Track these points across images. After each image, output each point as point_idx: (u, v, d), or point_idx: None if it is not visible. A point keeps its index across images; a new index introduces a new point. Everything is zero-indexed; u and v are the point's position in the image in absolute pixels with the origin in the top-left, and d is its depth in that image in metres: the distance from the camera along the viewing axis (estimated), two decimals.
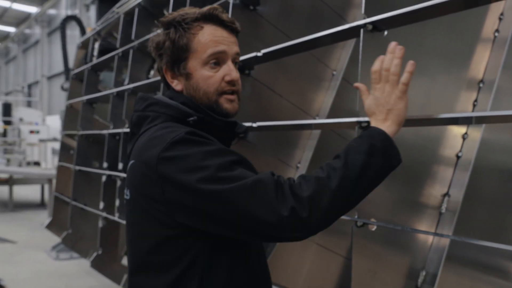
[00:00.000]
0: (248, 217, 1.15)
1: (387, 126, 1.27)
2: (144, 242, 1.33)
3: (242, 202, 1.15)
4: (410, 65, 1.30)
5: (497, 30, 2.32)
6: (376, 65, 1.32)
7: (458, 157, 2.19)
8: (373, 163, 1.20)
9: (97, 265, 4.23)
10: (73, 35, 22.51)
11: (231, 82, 1.34)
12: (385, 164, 1.23)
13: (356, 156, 1.20)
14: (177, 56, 1.36)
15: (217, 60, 1.34)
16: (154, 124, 1.35)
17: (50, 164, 11.62)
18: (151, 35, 3.65)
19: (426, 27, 2.05)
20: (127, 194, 1.37)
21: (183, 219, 1.23)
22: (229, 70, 1.34)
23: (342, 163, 1.19)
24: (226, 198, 1.16)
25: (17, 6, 28.79)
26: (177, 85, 1.39)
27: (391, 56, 1.31)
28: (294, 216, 1.12)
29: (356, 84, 1.38)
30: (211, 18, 1.34)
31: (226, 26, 1.35)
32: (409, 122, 1.70)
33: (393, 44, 1.32)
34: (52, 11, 28.39)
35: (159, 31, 1.41)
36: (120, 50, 4.16)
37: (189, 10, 1.37)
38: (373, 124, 1.29)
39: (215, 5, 1.36)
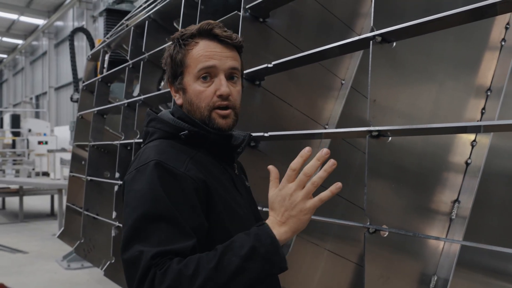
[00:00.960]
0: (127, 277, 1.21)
1: (282, 231, 1.18)
2: None
3: (125, 264, 1.21)
4: (335, 186, 1.17)
5: (503, 39, 2.37)
6: (297, 163, 1.19)
7: (467, 164, 2.23)
8: (250, 268, 1.13)
9: (110, 273, 4.27)
10: (81, 46, 22.72)
11: (222, 97, 1.34)
12: (264, 270, 1.14)
13: (232, 259, 1.13)
14: (175, 71, 1.40)
15: (209, 74, 1.35)
16: (151, 139, 1.42)
17: (59, 174, 11.72)
18: (161, 47, 3.72)
19: (435, 34, 2.10)
20: None
21: None
22: (220, 85, 1.34)
23: (214, 263, 1.13)
24: (123, 247, 1.21)
25: (25, 19, 29.11)
26: (178, 99, 1.43)
27: (317, 164, 1.17)
28: None
29: (269, 167, 1.25)
30: (205, 33, 1.35)
31: (221, 40, 1.36)
32: (421, 131, 1.74)
33: (324, 152, 1.18)
34: (59, 23, 28.69)
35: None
36: (130, 62, 4.23)
37: (185, 29, 1.40)
38: (269, 221, 1.20)
39: (211, 20, 1.39)
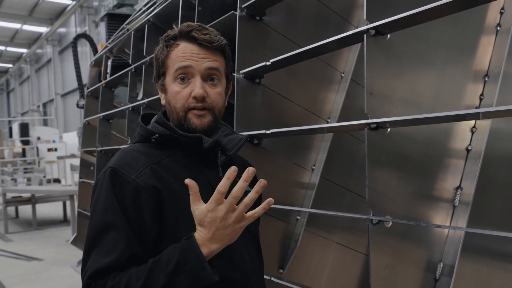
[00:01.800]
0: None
1: (213, 247, 1.18)
2: None
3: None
4: (267, 203, 1.17)
5: (499, 24, 2.37)
6: (224, 185, 1.14)
7: (468, 150, 2.24)
8: (177, 282, 1.16)
9: None
10: (84, 51, 22.83)
11: (196, 98, 1.35)
12: (192, 285, 1.16)
13: (160, 275, 1.16)
14: (158, 72, 1.43)
15: (185, 75, 1.36)
16: (131, 143, 1.48)
17: (70, 181, 11.81)
18: None
19: (430, 22, 2.10)
20: None
21: None
22: (196, 86, 1.35)
23: (142, 281, 1.16)
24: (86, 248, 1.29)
25: (28, 27, 29.26)
26: (163, 99, 1.45)
27: (244, 185, 1.14)
28: None
29: (187, 181, 1.18)
30: (185, 35, 1.37)
31: (199, 43, 1.36)
32: (419, 121, 1.76)
33: (250, 171, 1.14)
34: (62, 30, 28.82)
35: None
36: (132, 66, 4.26)
37: (173, 30, 1.43)
38: (198, 236, 1.18)
39: (192, 23, 1.41)
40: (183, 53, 1.36)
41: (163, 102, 1.45)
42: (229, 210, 1.15)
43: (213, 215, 1.15)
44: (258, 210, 1.18)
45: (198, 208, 1.17)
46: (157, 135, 1.38)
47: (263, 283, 1.51)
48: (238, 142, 1.48)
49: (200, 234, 1.18)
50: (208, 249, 1.17)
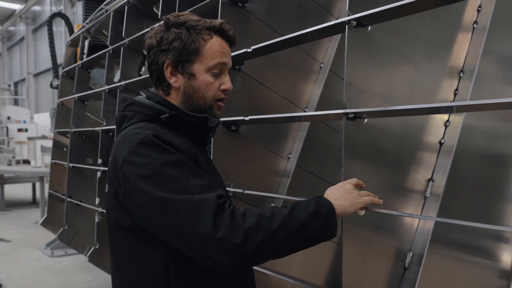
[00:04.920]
0: (186, 231, 1.24)
1: (337, 204, 1.40)
2: (116, 230, 1.45)
3: (183, 216, 1.24)
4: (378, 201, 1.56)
5: (475, 22, 2.43)
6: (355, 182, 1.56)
7: (441, 143, 2.30)
8: (313, 225, 1.32)
9: (94, 259, 4.30)
10: (59, 31, 22.35)
11: (225, 92, 1.51)
12: (321, 230, 1.34)
13: (302, 213, 1.31)
14: (185, 56, 1.46)
15: (220, 69, 1.49)
16: (131, 123, 1.47)
17: (40, 162, 11.60)
18: (141, 32, 3.71)
19: (410, 17, 2.14)
20: (106, 188, 1.49)
21: (136, 218, 1.35)
22: (227, 80, 1.50)
23: (287, 212, 1.30)
24: (171, 208, 1.26)
25: (0, 3, 28.46)
26: (175, 82, 1.48)
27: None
28: (227, 240, 1.21)
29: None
30: (221, 32, 1.49)
31: (230, 41, 1.52)
32: (395, 112, 1.80)
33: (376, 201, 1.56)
34: (36, 8, 28.14)
35: (157, 26, 1.52)
36: (110, 47, 4.21)
37: (194, 17, 1.49)
38: (326, 195, 1.44)
39: (225, 21, 1.52)
40: (223, 49, 1.49)
41: (176, 84, 1.48)
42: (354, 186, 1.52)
43: (342, 184, 1.51)
44: (376, 200, 1.54)
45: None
46: (167, 115, 1.44)
47: None
48: (218, 124, 1.57)
49: (329, 194, 1.45)
50: (334, 205, 1.39)
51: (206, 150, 1.60)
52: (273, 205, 1.32)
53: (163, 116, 1.44)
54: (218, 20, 1.51)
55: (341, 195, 1.45)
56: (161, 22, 1.52)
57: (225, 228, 1.22)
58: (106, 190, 1.48)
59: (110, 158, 1.45)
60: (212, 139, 1.69)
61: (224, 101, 1.54)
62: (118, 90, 3.93)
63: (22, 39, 30.94)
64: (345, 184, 1.50)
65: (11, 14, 30.48)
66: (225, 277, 1.44)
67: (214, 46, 1.47)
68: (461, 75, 2.39)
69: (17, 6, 28.78)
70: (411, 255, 2.17)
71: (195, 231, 1.23)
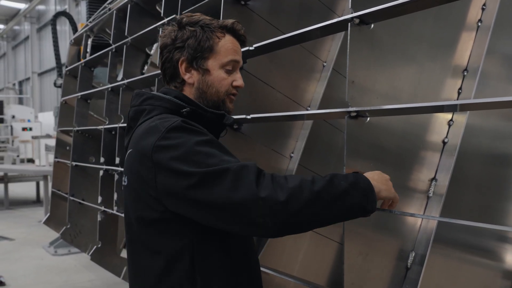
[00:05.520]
0: (229, 200, 1.24)
1: (374, 184, 1.40)
2: (137, 224, 1.45)
3: (226, 183, 1.25)
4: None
5: (480, 20, 2.40)
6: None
7: (444, 143, 2.27)
8: (352, 195, 1.32)
9: (97, 258, 4.30)
10: (64, 30, 22.40)
11: (237, 88, 1.59)
12: (361, 202, 1.34)
13: (342, 182, 1.32)
14: (199, 53, 1.52)
15: (233, 67, 1.56)
16: (150, 116, 1.48)
17: (44, 161, 11.62)
18: (144, 31, 3.70)
19: (413, 15, 2.12)
20: (124, 181, 1.50)
21: (171, 205, 1.35)
22: (239, 78, 1.58)
23: (328, 179, 1.31)
24: (212, 179, 1.26)
25: (5, 3, 28.56)
26: (189, 78, 1.54)
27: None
28: (271, 198, 1.22)
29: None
30: (233, 31, 1.57)
31: (241, 40, 1.60)
32: (398, 110, 1.78)
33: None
34: (41, 7, 28.22)
35: (170, 27, 1.58)
36: (113, 46, 4.20)
37: (207, 17, 1.57)
38: (365, 175, 1.42)
39: (236, 20, 1.60)
40: (235, 47, 1.56)
41: (190, 80, 1.54)
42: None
43: (382, 174, 1.50)
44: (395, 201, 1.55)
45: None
46: (188, 109, 1.48)
47: None
48: (232, 122, 1.74)
49: (367, 174, 1.43)
50: (372, 183, 1.39)
51: None
52: None
53: (183, 110, 1.48)
54: (230, 20, 1.58)
55: (379, 179, 1.45)
56: (173, 23, 1.58)
57: (268, 188, 1.23)
58: (125, 184, 1.49)
59: (129, 151, 1.47)
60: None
61: (236, 97, 1.61)
62: (121, 88, 3.92)
63: (26, 38, 31.03)
64: (382, 173, 1.50)
65: (16, 13, 30.56)
66: (246, 269, 1.50)
67: (227, 44, 1.54)
68: (465, 73, 2.37)
69: (21, 6, 28.86)
70: (413, 255, 2.15)
71: (239, 196, 1.23)
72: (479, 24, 2.41)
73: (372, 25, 1.91)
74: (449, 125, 2.28)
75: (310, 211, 1.26)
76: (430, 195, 2.21)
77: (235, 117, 2.42)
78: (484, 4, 2.41)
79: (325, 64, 2.95)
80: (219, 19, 1.65)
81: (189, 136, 1.34)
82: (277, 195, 1.22)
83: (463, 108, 1.77)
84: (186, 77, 1.54)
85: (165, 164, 1.31)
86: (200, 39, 1.52)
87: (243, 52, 2.43)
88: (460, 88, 2.37)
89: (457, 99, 2.36)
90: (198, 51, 1.52)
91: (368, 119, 1.88)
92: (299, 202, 1.24)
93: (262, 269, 2.29)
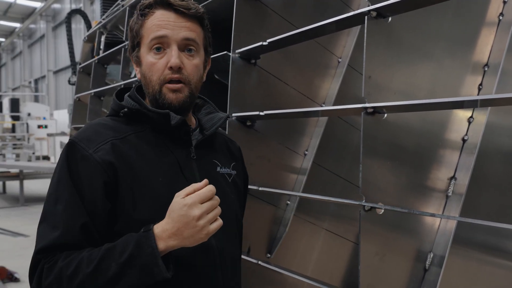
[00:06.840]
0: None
1: (170, 243, 1.13)
2: None
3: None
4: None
5: (501, 14, 2.33)
6: (213, 189, 1.16)
7: (464, 140, 2.21)
8: (128, 274, 1.12)
9: None
10: (78, 28, 22.57)
11: (172, 69, 1.25)
12: (142, 279, 1.13)
13: (112, 264, 1.12)
14: (132, 43, 1.34)
15: (161, 45, 1.27)
16: (106, 116, 1.40)
17: None
18: None
19: (431, 11, 2.06)
20: None
21: None
22: (170, 56, 1.26)
23: (92, 268, 1.13)
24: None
25: (22, 1, 28.86)
26: (138, 73, 1.35)
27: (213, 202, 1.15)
28: None
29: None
30: (161, 3, 1.28)
31: (176, 10, 1.27)
32: (417, 106, 1.72)
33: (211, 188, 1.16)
34: (56, 5, 28.45)
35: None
36: (126, 43, 4.18)
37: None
38: (157, 226, 1.14)
39: None
40: (159, 21, 1.27)
41: (138, 76, 1.34)
42: (206, 212, 1.12)
43: (188, 211, 1.12)
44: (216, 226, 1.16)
45: (179, 196, 1.14)
46: (125, 110, 1.30)
47: (235, 270, 1.40)
48: (218, 121, 1.39)
49: (162, 226, 1.14)
50: (165, 244, 1.13)
51: (190, 150, 1.34)
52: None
53: (121, 111, 1.31)
54: None
55: (179, 227, 1.12)
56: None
57: (33, 285, 1.22)
58: None
59: None
60: (213, 138, 1.44)
61: (187, 83, 1.29)
62: (134, 85, 3.90)
63: (42, 36, 31.32)
64: (186, 209, 1.12)
65: (31, 12, 30.87)
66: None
67: (153, 21, 1.27)
68: (486, 69, 2.30)
69: (37, 4, 29.13)
70: (432, 256, 2.09)
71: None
72: (500, 18, 2.33)
73: (390, 19, 1.85)
74: (469, 122, 2.21)
75: None
76: (449, 194, 2.14)
77: (247, 114, 2.37)
78: None
79: (340, 60, 2.90)
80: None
81: (57, 166, 1.26)
82: None
83: (484, 103, 1.71)
84: (136, 72, 1.34)
85: None
86: (133, 27, 1.31)
87: (255, 47, 2.41)
88: (480, 84, 2.30)
89: (478, 95, 2.29)
90: (132, 42, 1.32)
91: (385, 115, 1.82)
92: None
93: (275, 268, 2.25)
